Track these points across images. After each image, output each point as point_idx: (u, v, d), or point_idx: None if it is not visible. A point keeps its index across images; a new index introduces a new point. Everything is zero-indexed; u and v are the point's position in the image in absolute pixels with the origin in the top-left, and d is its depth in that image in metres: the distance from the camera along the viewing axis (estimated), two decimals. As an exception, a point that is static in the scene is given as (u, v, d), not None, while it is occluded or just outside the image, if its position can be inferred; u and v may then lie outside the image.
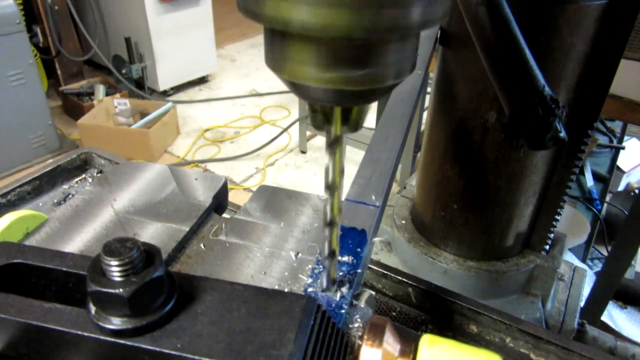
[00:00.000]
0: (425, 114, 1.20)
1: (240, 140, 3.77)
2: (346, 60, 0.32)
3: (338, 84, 0.33)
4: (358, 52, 0.32)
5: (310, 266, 0.54)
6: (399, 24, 0.29)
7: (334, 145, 0.40)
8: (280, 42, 0.33)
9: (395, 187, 2.19)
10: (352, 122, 0.39)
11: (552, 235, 1.05)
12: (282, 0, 0.28)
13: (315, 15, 0.28)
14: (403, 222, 1.16)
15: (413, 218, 1.16)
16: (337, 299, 0.49)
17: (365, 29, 0.28)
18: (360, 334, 0.46)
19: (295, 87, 0.35)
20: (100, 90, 3.80)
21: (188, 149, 3.61)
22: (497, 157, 0.90)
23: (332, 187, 0.43)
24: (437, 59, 0.96)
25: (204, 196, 0.66)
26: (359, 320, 0.48)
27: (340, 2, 0.27)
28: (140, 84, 4.02)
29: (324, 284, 0.50)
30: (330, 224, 0.45)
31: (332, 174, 0.42)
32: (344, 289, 0.50)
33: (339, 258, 0.53)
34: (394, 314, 0.77)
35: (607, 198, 2.68)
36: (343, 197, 0.58)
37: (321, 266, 0.53)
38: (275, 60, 0.34)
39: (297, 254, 0.56)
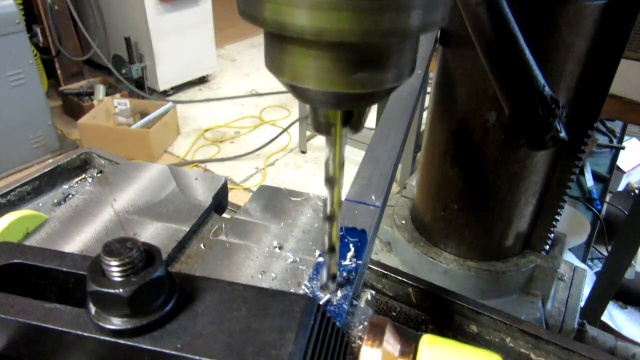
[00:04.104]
0: (425, 114, 1.20)
1: (240, 140, 3.77)
2: (345, 64, 0.32)
3: (337, 87, 0.33)
4: (357, 56, 0.31)
5: (307, 267, 0.54)
6: (398, 28, 0.29)
7: (333, 137, 0.39)
8: (280, 46, 0.33)
9: (395, 187, 2.19)
10: (354, 124, 0.38)
11: (552, 235, 1.05)
12: (281, 4, 0.28)
13: (314, 20, 0.28)
14: (403, 222, 1.16)
15: (413, 218, 1.16)
16: (337, 299, 0.49)
17: (364, 33, 0.28)
18: (360, 334, 0.46)
19: (295, 90, 0.35)
20: (100, 90, 3.80)
21: (188, 149, 3.61)
22: (497, 157, 0.90)
23: (332, 181, 0.42)
24: (437, 59, 0.96)
25: (204, 196, 0.66)
26: (359, 320, 0.48)
27: (340, 6, 0.27)
28: (140, 84, 4.02)
29: (324, 279, 0.49)
30: (330, 218, 0.45)
31: (332, 166, 0.41)
32: (344, 289, 0.50)
33: (339, 258, 0.53)
34: (394, 314, 0.77)
35: (607, 198, 2.68)
36: (343, 197, 0.57)
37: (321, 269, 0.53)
38: (274, 63, 0.34)
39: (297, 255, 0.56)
